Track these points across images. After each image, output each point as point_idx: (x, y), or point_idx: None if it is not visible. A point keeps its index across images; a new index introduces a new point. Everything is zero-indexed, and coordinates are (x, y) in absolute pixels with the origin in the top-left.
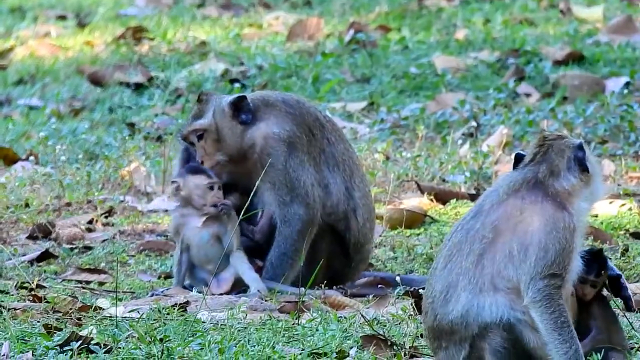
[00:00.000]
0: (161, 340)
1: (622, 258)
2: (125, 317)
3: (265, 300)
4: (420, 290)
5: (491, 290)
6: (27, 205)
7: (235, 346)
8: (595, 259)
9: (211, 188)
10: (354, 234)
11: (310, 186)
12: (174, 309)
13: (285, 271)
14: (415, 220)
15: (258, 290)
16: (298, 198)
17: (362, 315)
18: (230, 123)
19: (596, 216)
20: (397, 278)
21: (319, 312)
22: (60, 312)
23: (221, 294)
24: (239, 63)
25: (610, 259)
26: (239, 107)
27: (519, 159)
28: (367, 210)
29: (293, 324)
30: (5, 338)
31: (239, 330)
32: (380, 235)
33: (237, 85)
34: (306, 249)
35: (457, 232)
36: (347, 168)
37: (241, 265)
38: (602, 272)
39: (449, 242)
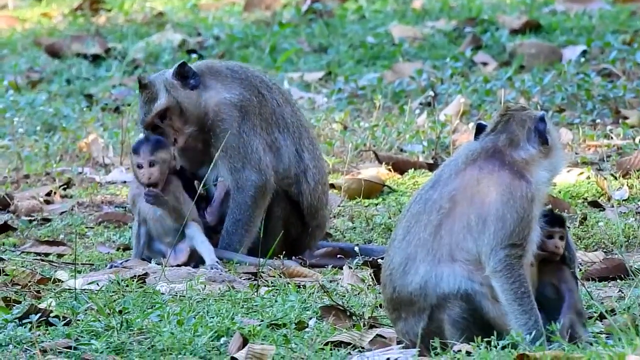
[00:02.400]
0: (120, 312)
1: (581, 227)
2: (84, 290)
3: (224, 272)
4: (379, 260)
5: (449, 261)
6: None
7: (195, 317)
8: (554, 215)
9: (139, 166)
10: (306, 197)
11: (262, 151)
12: (133, 281)
13: (240, 238)
14: (373, 190)
15: (213, 264)
16: (250, 163)
17: (320, 286)
18: (184, 92)
19: (555, 185)
20: (356, 248)
21: (278, 283)
22: (19, 284)
23: (179, 265)
24: (196, 34)
25: (568, 227)
26: (183, 74)
27: (480, 128)
28: (318, 172)
29: (252, 296)
30: None
31: (198, 302)
32: (338, 206)
33: (194, 55)
34: (262, 217)
35: (415, 203)
36: (296, 130)
37: (196, 237)
38: (564, 223)
39: (408, 212)
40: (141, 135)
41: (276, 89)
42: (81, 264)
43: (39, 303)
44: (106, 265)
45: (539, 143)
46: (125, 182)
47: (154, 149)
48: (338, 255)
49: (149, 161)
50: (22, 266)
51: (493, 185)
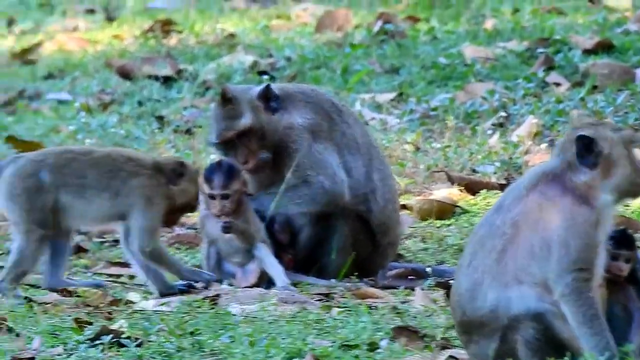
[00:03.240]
0: (192, 333)
1: None
2: (156, 311)
3: (296, 293)
4: (451, 282)
5: (516, 284)
6: None
7: (266, 339)
8: (623, 236)
9: (212, 197)
10: (376, 215)
11: (337, 166)
12: (205, 302)
13: (288, 207)
14: (445, 211)
15: (284, 285)
16: (324, 174)
17: (392, 307)
18: (266, 115)
19: (628, 205)
20: (428, 269)
21: (350, 304)
22: (91, 306)
23: (249, 287)
24: (268, 55)
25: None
26: (267, 96)
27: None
28: (387, 191)
29: (324, 317)
30: (36, 332)
31: (270, 323)
32: (410, 227)
33: (265, 77)
34: (334, 239)
35: (480, 227)
36: (366, 151)
37: (266, 259)
38: (633, 245)
39: (474, 237)
40: (212, 157)
41: (346, 111)
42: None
43: (111, 324)
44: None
45: (590, 165)
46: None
47: (228, 180)
48: (410, 277)
49: (222, 194)
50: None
51: (555, 212)
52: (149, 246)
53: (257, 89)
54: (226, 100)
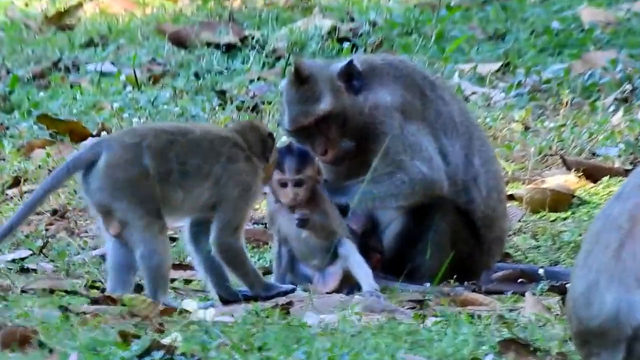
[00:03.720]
0: (260, 348)
1: None
2: (216, 322)
3: (384, 300)
4: (568, 285)
5: (639, 288)
6: None
7: (348, 354)
8: None
9: (283, 185)
10: (478, 206)
11: (433, 150)
12: (274, 311)
13: (382, 199)
14: (560, 201)
15: (371, 290)
16: (420, 158)
17: (499, 316)
18: (349, 98)
19: None
20: (541, 271)
21: (448, 313)
22: (139, 316)
23: (328, 293)
24: (349, 19)
25: None
26: (349, 74)
27: None
28: (491, 177)
29: (417, 328)
30: (72, 348)
31: (353, 336)
32: (519, 220)
33: (346, 45)
34: (429, 235)
35: (597, 219)
36: (465, 132)
37: (351, 258)
38: None
39: (590, 231)
40: (282, 141)
41: (441, 85)
42: None
43: (163, 338)
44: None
45: None
46: (265, 193)
47: (302, 165)
48: (519, 280)
49: (295, 180)
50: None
51: None
52: (233, 242)
53: (338, 65)
54: (301, 79)
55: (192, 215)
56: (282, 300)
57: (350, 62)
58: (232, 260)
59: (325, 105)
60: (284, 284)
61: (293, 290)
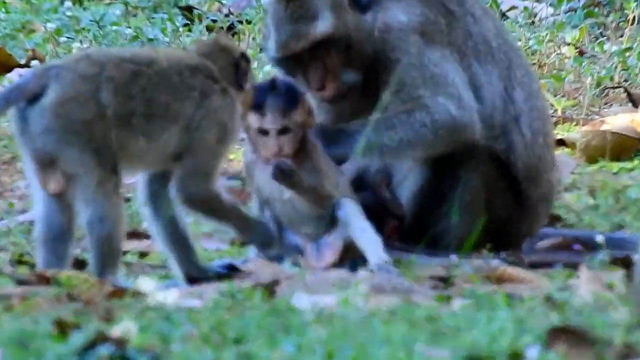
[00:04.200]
0: (236, 340)
1: None
2: (180, 307)
3: (397, 275)
4: (635, 257)
5: None
6: None
7: (351, 348)
8: None
9: (263, 133)
10: (520, 154)
11: (461, 83)
12: (256, 291)
13: (388, 146)
14: (625, 148)
15: (379, 262)
16: (445, 92)
17: (545, 297)
18: (354, 16)
19: None
20: (600, 238)
21: (479, 293)
22: (80, 300)
23: (325, 268)
24: None
25: None
26: None
27: None
28: (536, 117)
29: (440, 312)
30: None
31: (357, 324)
32: (572, 172)
33: None
34: (457, 192)
35: None
36: (503, 58)
37: (353, 223)
38: None
39: None
40: (266, 72)
41: (471, 0)
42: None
43: (111, 327)
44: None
45: None
46: (242, 139)
47: (289, 106)
48: (572, 249)
49: (279, 127)
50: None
51: None
52: (205, 189)
53: None
54: None
55: (153, 167)
56: (264, 277)
57: None
58: (208, 209)
59: (323, 25)
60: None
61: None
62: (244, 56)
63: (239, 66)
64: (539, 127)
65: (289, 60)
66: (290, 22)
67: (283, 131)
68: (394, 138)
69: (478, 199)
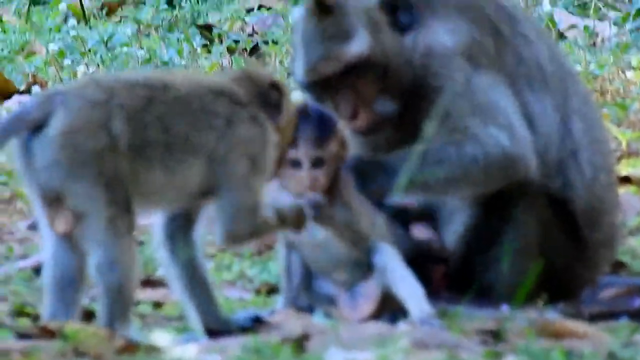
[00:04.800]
0: None
1: None
2: None
3: (441, 329)
4: None
5: None
6: None
7: None
8: None
9: (294, 164)
10: (579, 194)
11: (513, 112)
12: (284, 347)
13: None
14: None
15: (422, 315)
16: (496, 122)
17: (609, 355)
18: (392, 37)
19: None
20: None
21: (533, 349)
22: (88, 355)
23: (362, 320)
24: None
25: None
26: (394, 5)
27: None
28: (597, 151)
29: None
30: None
31: None
32: (638, 214)
33: None
34: (508, 236)
35: None
36: (558, 84)
37: (392, 270)
38: None
39: None
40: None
41: (523, 18)
42: None
43: None
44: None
45: None
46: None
47: (323, 136)
48: (637, 299)
49: (313, 158)
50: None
51: None
52: (255, 226)
53: None
54: (325, 8)
55: (173, 206)
56: (292, 330)
57: None
58: (256, 238)
59: (358, 46)
60: (298, 307)
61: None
62: (275, 84)
63: (270, 95)
64: (600, 163)
65: (318, 85)
66: (322, 42)
67: (316, 163)
68: (440, 173)
69: (532, 243)
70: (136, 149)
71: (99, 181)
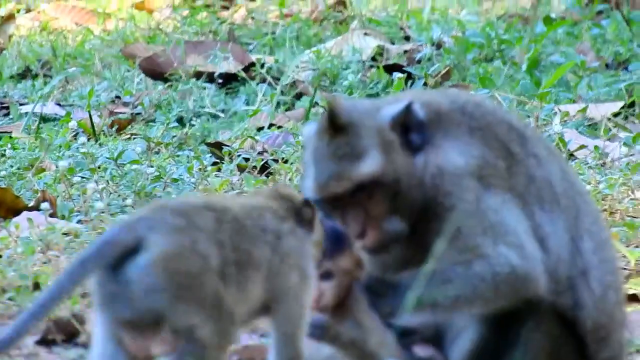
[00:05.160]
0: None
1: None
2: None
3: None
4: None
5: None
6: (36, 286)
7: None
8: None
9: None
10: (589, 313)
11: (524, 232)
12: None
13: (440, 305)
14: None
15: None
16: (506, 241)
17: None
18: (404, 158)
19: None
20: None
21: None
22: None
23: None
24: (403, 37)
25: None
26: (406, 125)
27: None
28: (607, 270)
29: None
30: None
31: None
32: None
33: (398, 75)
34: (518, 354)
35: None
36: (570, 204)
37: None
38: None
39: None
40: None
41: (534, 138)
42: None
43: None
44: None
45: None
46: None
47: (334, 250)
48: None
49: (322, 270)
50: None
51: None
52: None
53: (391, 110)
54: (337, 127)
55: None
56: None
57: (409, 107)
58: None
59: (369, 166)
60: None
61: None
62: (308, 201)
63: (303, 212)
64: (610, 282)
65: (328, 203)
66: (333, 160)
67: (325, 276)
68: (449, 293)
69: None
70: (220, 267)
71: (201, 301)
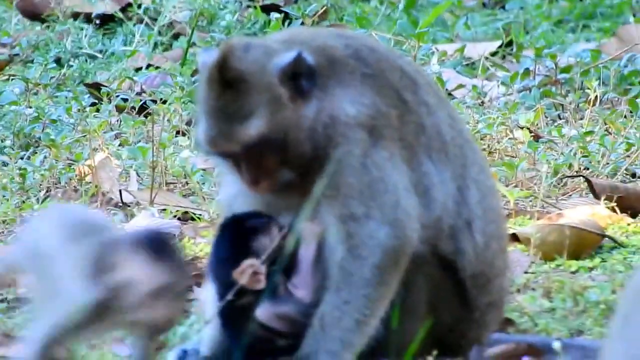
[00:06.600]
0: None
1: None
2: None
3: None
4: None
5: None
6: None
7: None
8: None
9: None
10: (469, 261)
11: (403, 192)
12: None
13: (349, 338)
14: (585, 244)
15: None
16: (379, 210)
17: None
18: (293, 109)
19: None
20: (557, 344)
21: None
22: None
23: None
24: None
25: None
26: (296, 73)
27: None
28: (491, 219)
29: None
30: None
31: None
32: (526, 272)
33: (276, 15)
34: (399, 297)
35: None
36: (457, 153)
37: None
38: None
39: (629, 287)
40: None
41: (425, 83)
42: None
43: None
44: None
45: None
46: None
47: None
48: (524, 357)
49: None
50: None
51: None
52: None
53: (280, 62)
54: (227, 81)
55: None
56: None
57: (299, 57)
58: None
59: (256, 127)
60: None
61: None
62: None
63: None
64: (493, 231)
65: (219, 156)
66: (222, 118)
67: None
68: (335, 339)
69: (420, 302)
70: None
71: None
